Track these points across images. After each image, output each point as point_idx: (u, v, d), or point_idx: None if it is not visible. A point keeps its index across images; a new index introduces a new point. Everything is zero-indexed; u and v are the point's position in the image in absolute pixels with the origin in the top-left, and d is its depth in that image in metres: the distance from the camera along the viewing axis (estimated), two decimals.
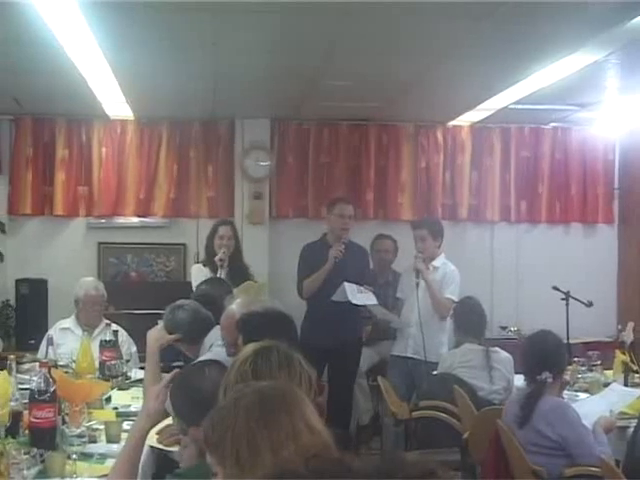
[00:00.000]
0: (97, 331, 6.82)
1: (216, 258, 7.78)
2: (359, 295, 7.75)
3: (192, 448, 3.34)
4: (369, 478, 1.85)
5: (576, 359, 7.00)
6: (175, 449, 3.95)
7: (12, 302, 9.25)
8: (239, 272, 7.77)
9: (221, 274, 7.68)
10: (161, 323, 5.57)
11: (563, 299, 8.23)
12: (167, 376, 3.82)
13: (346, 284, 7.67)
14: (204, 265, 7.97)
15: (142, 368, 5.95)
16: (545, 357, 5.12)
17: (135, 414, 5.21)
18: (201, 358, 4.99)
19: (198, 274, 7.76)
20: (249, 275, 7.85)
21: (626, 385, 6.53)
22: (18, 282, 9.15)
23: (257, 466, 2.23)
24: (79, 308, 7.11)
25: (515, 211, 10.11)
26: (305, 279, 8.03)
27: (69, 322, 7.14)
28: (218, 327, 5.31)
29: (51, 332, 6.94)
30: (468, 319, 6.81)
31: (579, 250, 10.20)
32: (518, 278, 10.09)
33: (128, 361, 6.63)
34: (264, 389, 2.39)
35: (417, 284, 7.64)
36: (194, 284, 7.41)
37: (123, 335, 6.92)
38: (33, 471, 3.89)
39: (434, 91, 8.24)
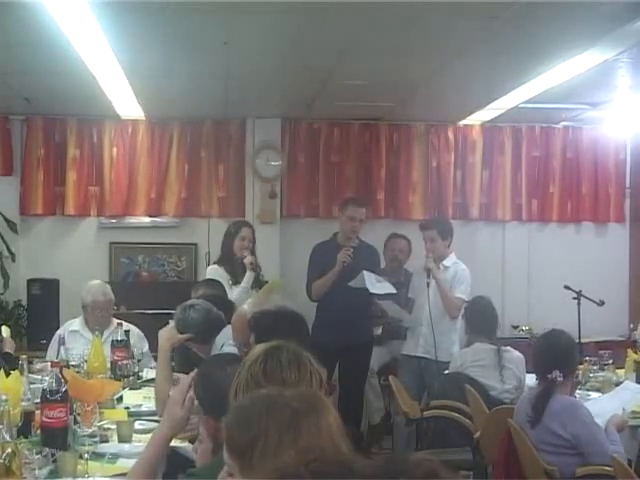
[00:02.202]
0: (107, 333, 6.76)
1: (246, 261, 7.70)
2: (378, 285, 7.75)
3: (207, 444, 3.33)
4: (371, 479, 1.84)
5: (588, 358, 6.99)
6: (184, 444, 3.95)
7: (24, 302, 9.27)
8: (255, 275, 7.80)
9: (251, 277, 7.65)
10: (172, 322, 5.58)
11: (575, 298, 8.23)
12: (186, 379, 3.78)
13: (365, 272, 7.67)
14: (219, 265, 7.90)
15: (154, 368, 5.95)
16: (557, 356, 5.11)
17: (147, 414, 5.25)
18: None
19: (214, 275, 7.67)
20: (260, 277, 7.84)
21: (638, 384, 6.51)
22: (30, 282, 9.17)
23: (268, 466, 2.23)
24: (87, 312, 7.05)
25: (526, 210, 10.09)
26: (314, 281, 8.05)
27: (78, 324, 7.11)
28: (229, 327, 5.31)
29: (61, 332, 6.93)
30: (479, 318, 6.80)
31: (591, 249, 10.18)
32: (529, 277, 10.07)
33: (140, 360, 6.63)
34: (294, 403, 2.33)
35: (428, 284, 7.63)
36: None
37: (134, 334, 6.91)
38: (45, 471, 3.90)
39: (445, 90, 8.23)
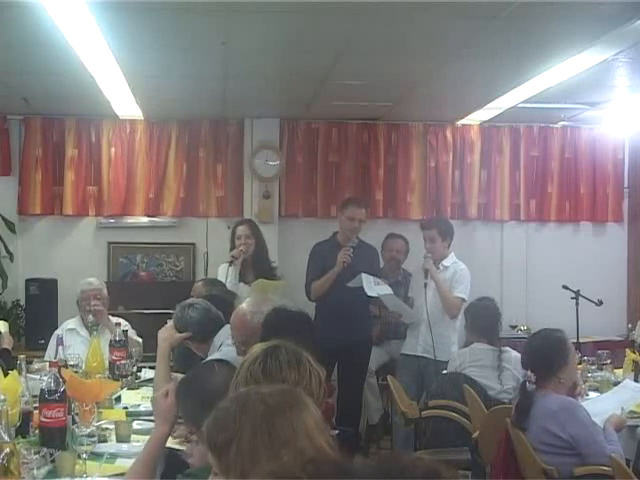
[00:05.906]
0: (100, 327, 6.85)
1: (230, 254, 7.86)
2: (375, 287, 7.72)
3: (203, 446, 3.33)
4: (366, 479, 1.83)
5: (586, 358, 6.99)
6: (183, 447, 3.94)
7: (22, 302, 9.27)
8: (263, 270, 7.86)
9: (236, 272, 7.74)
10: (171, 322, 5.57)
11: (573, 298, 8.23)
12: (178, 378, 3.81)
13: (363, 275, 7.66)
14: (230, 264, 7.94)
15: (152, 367, 5.95)
16: (530, 357, 5.14)
17: (145, 413, 5.25)
18: (209, 358, 5.00)
19: (223, 273, 7.79)
20: (274, 273, 7.91)
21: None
22: (28, 282, 9.15)
23: (257, 472, 2.23)
24: (80, 308, 7.26)
25: (525, 210, 10.09)
26: (314, 280, 8.04)
27: (74, 323, 7.29)
28: (228, 326, 5.31)
29: (59, 332, 6.98)
30: (482, 320, 6.79)
31: (589, 249, 10.18)
32: (528, 277, 10.07)
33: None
34: (269, 400, 2.34)
35: (425, 284, 7.64)
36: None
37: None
38: (43, 470, 3.90)
39: (443, 90, 8.23)
